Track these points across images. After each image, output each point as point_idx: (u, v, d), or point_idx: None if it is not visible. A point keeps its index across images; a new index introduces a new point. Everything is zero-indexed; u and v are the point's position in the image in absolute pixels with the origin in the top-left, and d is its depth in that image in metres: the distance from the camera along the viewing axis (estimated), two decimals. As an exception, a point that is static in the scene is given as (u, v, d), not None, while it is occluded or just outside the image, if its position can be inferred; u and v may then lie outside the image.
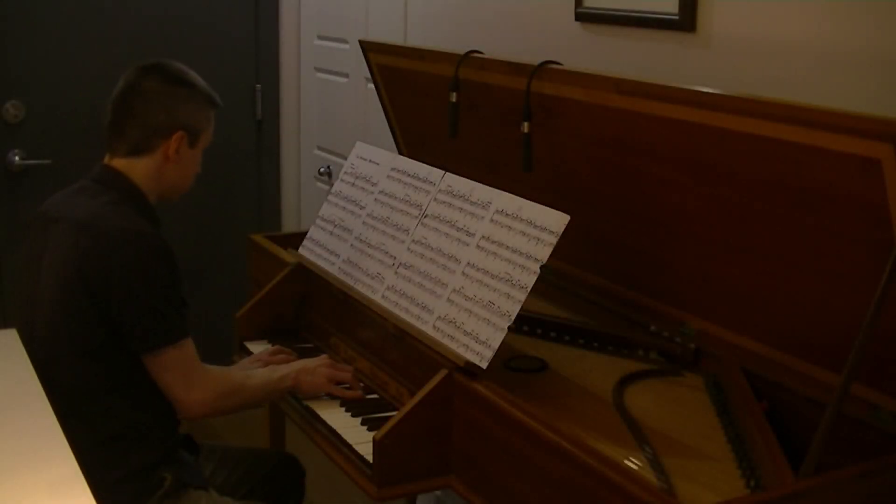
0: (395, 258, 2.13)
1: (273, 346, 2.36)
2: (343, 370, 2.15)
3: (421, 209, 2.13)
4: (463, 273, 1.94)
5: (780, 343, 1.77)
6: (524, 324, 2.20)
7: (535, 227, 1.84)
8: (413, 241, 2.11)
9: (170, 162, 2.10)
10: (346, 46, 3.52)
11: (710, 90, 1.66)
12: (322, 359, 2.19)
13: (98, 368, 2.00)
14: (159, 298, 1.98)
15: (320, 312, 2.41)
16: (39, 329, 2.03)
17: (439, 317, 1.94)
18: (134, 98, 2.08)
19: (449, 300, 1.94)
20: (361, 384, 2.15)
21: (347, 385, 2.13)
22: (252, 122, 3.98)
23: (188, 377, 2.02)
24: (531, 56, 2.10)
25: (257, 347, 2.39)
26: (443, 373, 1.82)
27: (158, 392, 2.04)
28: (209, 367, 2.10)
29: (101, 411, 2.00)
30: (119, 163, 2.09)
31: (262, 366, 2.25)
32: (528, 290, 1.80)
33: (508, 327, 1.80)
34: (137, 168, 2.08)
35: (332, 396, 2.11)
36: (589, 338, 2.14)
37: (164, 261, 1.99)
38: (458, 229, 2.00)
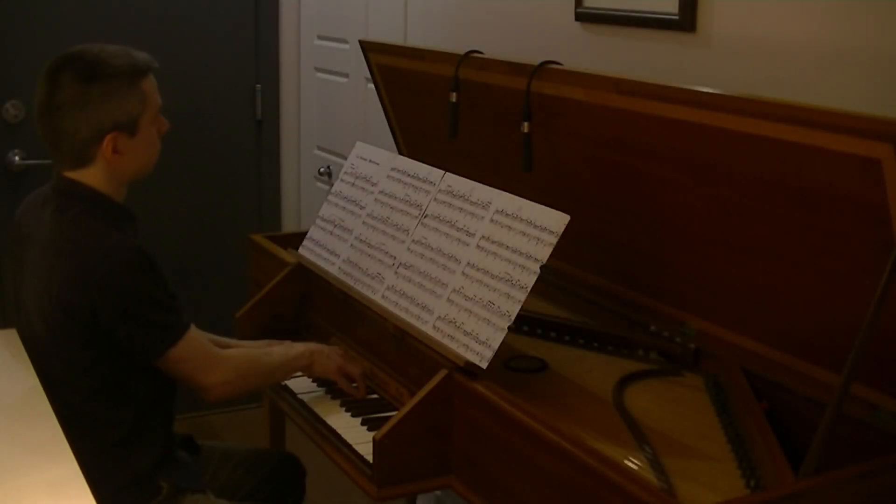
0: (395, 258, 2.13)
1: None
2: (355, 365, 2.16)
3: (421, 209, 2.13)
4: (463, 273, 1.94)
5: (780, 343, 1.77)
6: (524, 324, 2.20)
7: (535, 227, 1.84)
8: (413, 241, 2.11)
9: (113, 162, 1.99)
10: (346, 46, 3.52)
11: (710, 90, 1.66)
12: (338, 348, 2.22)
13: (93, 382, 1.97)
14: (148, 308, 1.94)
15: (320, 312, 2.41)
16: (31, 343, 2.02)
17: (439, 317, 1.94)
18: (52, 115, 1.96)
19: (449, 300, 1.94)
20: (366, 385, 2.15)
21: (355, 384, 2.14)
22: (252, 122, 3.98)
23: (205, 362, 2.01)
24: (531, 56, 2.10)
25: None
26: (443, 373, 1.82)
27: (155, 395, 2.04)
28: (223, 350, 2.10)
29: (100, 420, 1.99)
30: (70, 174, 2.01)
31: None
32: (528, 290, 1.80)
33: (508, 327, 1.80)
34: (88, 176, 1.99)
35: (338, 390, 2.13)
36: (589, 338, 2.14)
37: (142, 269, 1.93)
38: (458, 229, 2.00)
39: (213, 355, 2.04)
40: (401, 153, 2.71)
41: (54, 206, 2.00)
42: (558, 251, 1.79)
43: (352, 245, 2.29)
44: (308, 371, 2.16)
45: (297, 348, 2.17)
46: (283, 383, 2.21)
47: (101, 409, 1.99)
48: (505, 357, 2.01)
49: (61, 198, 2.01)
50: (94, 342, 1.94)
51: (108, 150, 1.97)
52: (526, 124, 2.05)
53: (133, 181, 2.08)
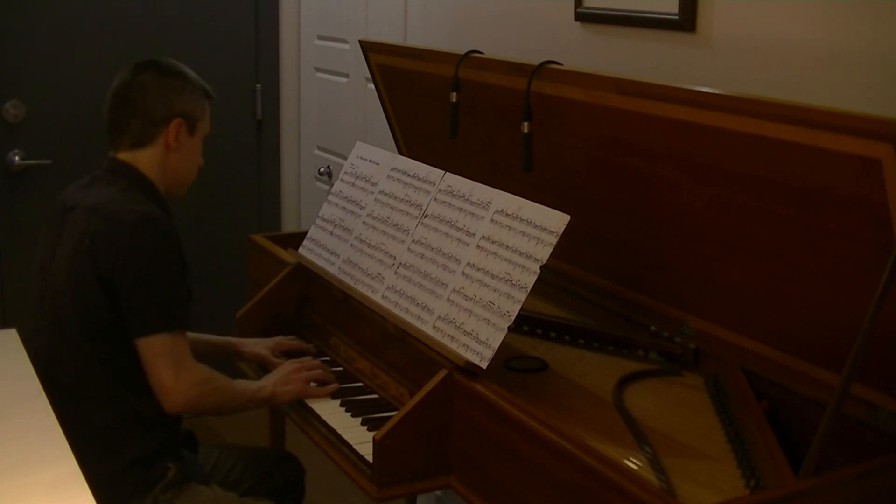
0: (395, 258, 2.13)
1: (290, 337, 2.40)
2: (313, 367, 2.17)
3: (421, 209, 2.13)
4: (463, 273, 1.94)
5: (780, 343, 1.77)
6: (524, 324, 2.20)
7: (535, 227, 1.84)
8: (413, 241, 2.11)
9: (171, 150, 2.14)
10: (346, 46, 3.52)
11: (710, 90, 1.66)
12: (290, 364, 2.20)
13: (102, 352, 2.01)
14: (164, 283, 2.01)
15: (320, 312, 2.41)
16: (46, 315, 2.05)
17: (439, 317, 1.94)
18: (131, 92, 2.13)
19: (449, 300, 1.94)
20: (341, 368, 2.17)
21: (316, 383, 2.15)
22: (252, 122, 3.98)
23: (179, 365, 2.01)
24: (531, 56, 2.10)
25: (257, 347, 2.39)
26: (443, 373, 1.82)
27: None
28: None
29: (102, 398, 2.02)
30: (124, 156, 2.13)
31: (270, 346, 2.33)
32: (528, 290, 1.80)
33: (508, 327, 1.80)
34: (142, 159, 2.13)
35: (338, 389, 2.13)
36: (589, 338, 2.14)
37: (172, 246, 2.03)
38: (458, 229, 2.00)
39: (190, 361, 2.04)
40: (401, 153, 2.71)
41: (104, 181, 2.12)
42: (558, 251, 1.79)
43: (352, 245, 2.29)
44: (275, 401, 2.14)
45: (260, 381, 2.17)
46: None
47: (105, 383, 2.02)
48: (505, 357, 2.02)
49: (111, 174, 2.13)
50: (110, 305, 1.99)
51: (171, 135, 2.13)
52: (526, 124, 2.05)
53: (171, 189, 2.19)
